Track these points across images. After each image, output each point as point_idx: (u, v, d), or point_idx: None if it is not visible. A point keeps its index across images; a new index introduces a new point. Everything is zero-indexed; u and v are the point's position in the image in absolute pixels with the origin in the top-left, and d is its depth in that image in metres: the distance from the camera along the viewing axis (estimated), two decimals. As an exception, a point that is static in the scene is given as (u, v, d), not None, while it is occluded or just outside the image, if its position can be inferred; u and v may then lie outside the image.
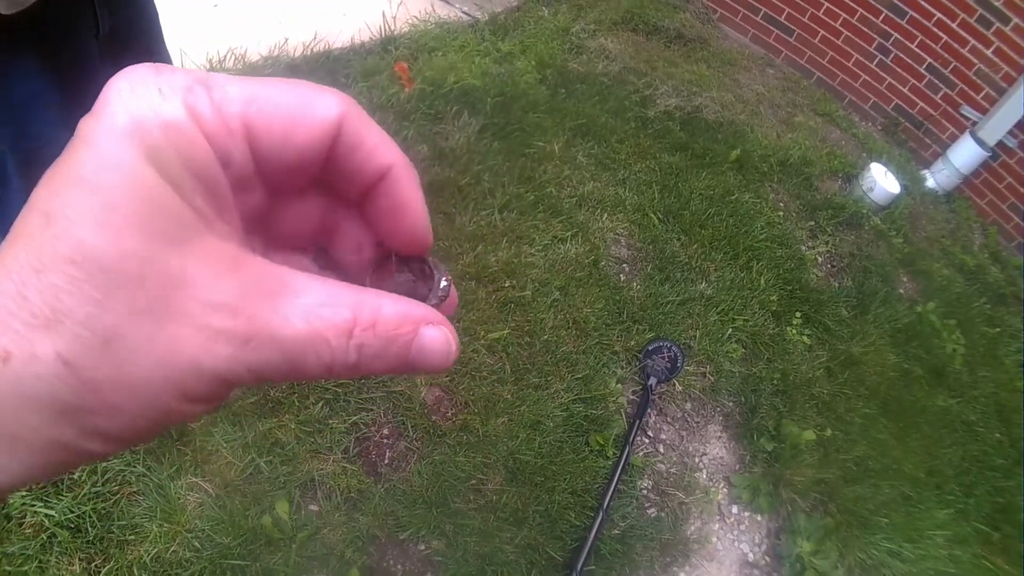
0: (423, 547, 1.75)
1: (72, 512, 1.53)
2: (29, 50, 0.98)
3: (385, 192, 0.30)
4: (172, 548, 1.56)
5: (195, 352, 0.24)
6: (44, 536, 1.50)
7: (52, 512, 1.52)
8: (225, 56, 2.71)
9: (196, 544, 1.58)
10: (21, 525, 1.50)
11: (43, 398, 0.23)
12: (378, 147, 0.29)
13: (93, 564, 1.51)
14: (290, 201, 0.30)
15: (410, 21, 3.34)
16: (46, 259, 0.23)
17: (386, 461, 1.84)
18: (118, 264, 0.23)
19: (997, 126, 3.53)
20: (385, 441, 1.86)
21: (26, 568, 1.46)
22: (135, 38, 1.29)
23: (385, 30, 3.19)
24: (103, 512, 1.56)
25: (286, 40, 2.89)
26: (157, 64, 0.25)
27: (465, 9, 3.61)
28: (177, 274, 0.24)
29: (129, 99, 0.24)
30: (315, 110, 0.26)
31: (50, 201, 0.24)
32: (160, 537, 1.56)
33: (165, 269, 0.23)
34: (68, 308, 0.22)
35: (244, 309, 0.24)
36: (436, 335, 0.28)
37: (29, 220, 0.24)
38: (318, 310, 0.25)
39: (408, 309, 0.28)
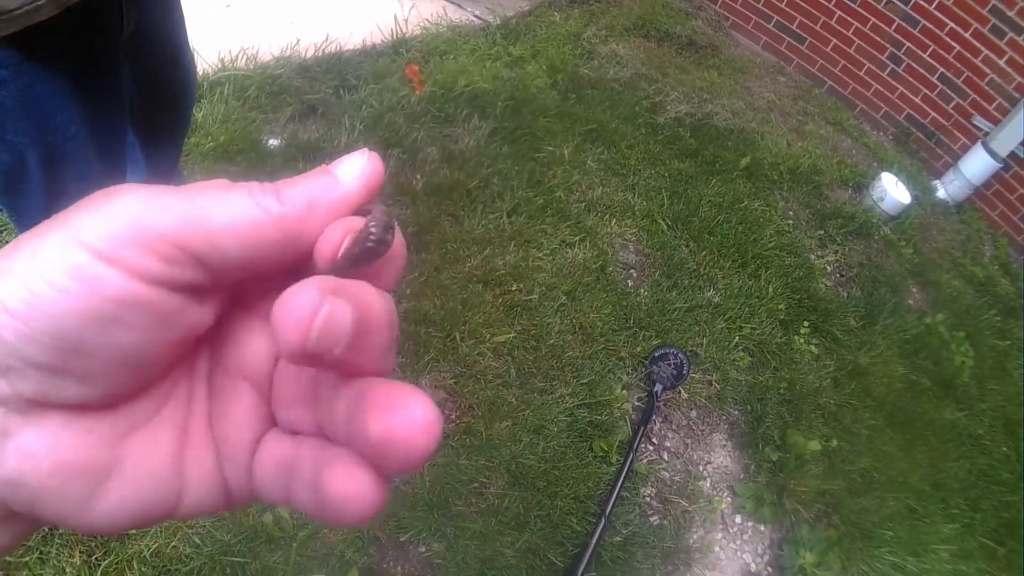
0: (423, 549, 1.75)
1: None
2: (55, 45, 0.98)
3: None
4: (172, 543, 1.57)
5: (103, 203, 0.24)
6: (44, 527, 1.50)
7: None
8: (237, 55, 2.73)
9: (196, 540, 1.58)
10: (22, 517, 1.51)
11: None
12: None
13: (93, 557, 1.51)
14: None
15: (422, 24, 3.35)
16: None
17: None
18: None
19: (1009, 137, 3.51)
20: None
21: (27, 559, 1.47)
22: (160, 39, 1.30)
23: (397, 33, 3.21)
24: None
25: (298, 41, 2.91)
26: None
27: (477, 13, 3.61)
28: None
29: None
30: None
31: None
32: (161, 532, 1.57)
33: None
34: None
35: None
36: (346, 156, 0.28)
37: None
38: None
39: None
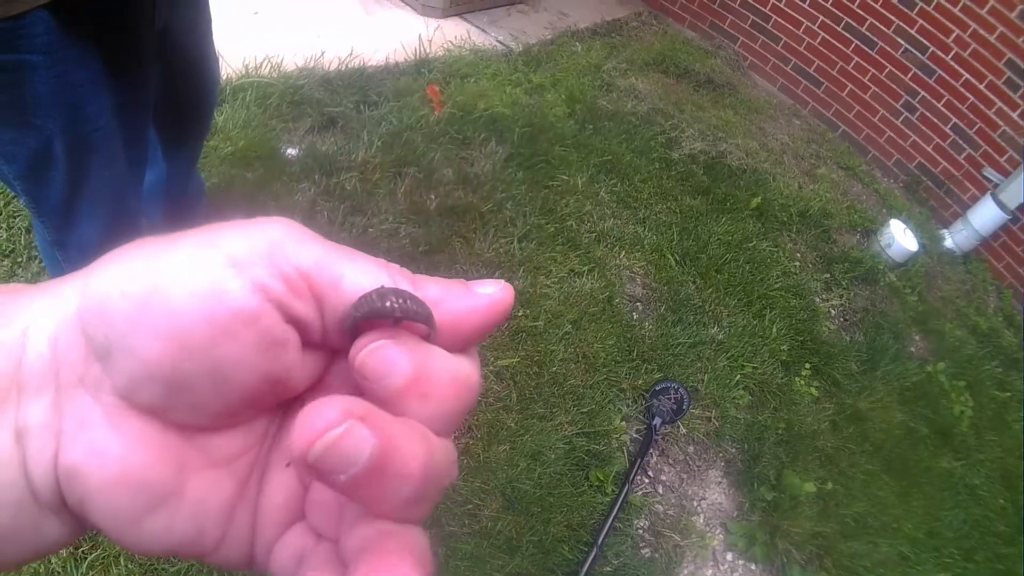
0: (416, 568, 1.76)
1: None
2: (90, 34, 0.99)
3: None
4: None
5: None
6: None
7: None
8: (261, 63, 2.78)
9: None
10: (12, 505, 1.52)
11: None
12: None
13: (80, 550, 1.52)
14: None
15: (445, 45, 3.41)
16: None
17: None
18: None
19: (1018, 189, 3.53)
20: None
21: None
22: (187, 39, 1.31)
23: (420, 52, 3.26)
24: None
25: (322, 53, 2.96)
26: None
27: (500, 38, 3.67)
28: None
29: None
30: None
31: None
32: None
33: None
34: None
35: None
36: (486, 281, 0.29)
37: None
38: None
39: None
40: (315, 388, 0.28)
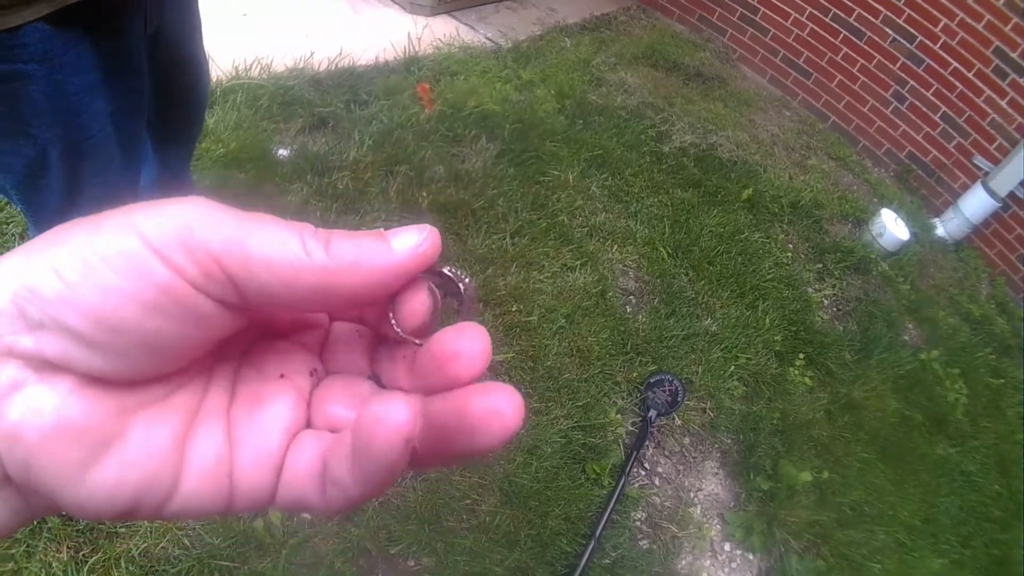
0: (412, 563, 1.77)
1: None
2: (85, 41, 0.98)
3: None
4: (161, 544, 1.57)
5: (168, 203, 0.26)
6: (34, 521, 1.51)
7: (44, 498, 1.53)
8: (251, 64, 2.77)
9: (186, 542, 1.59)
10: (11, 507, 1.51)
11: None
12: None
13: (81, 553, 1.52)
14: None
15: (434, 43, 3.40)
16: None
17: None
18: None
19: (1009, 177, 3.55)
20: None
21: (14, 551, 1.47)
22: (176, 40, 1.30)
23: (409, 51, 3.26)
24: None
25: (312, 53, 2.95)
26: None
27: (489, 35, 3.67)
28: None
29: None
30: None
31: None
32: (151, 532, 1.58)
33: None
34: None
35: None
36: (406, 228, 0.29)
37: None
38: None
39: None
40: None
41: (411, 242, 0.28)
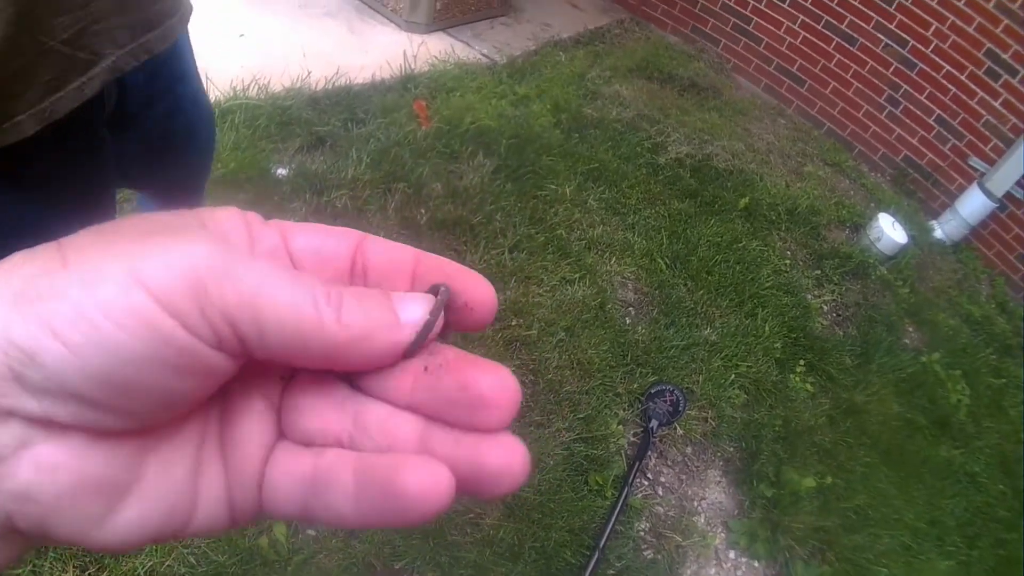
0: (420, 580, 1.78)
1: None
2: (37, 165, 0.88)
3: (429, 273, 0.31)
4: (167, 563, 1.58)
5: (171, 244, 0.24)
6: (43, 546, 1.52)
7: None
8: (249, 84, 2.80)
9: (192, 560, 1.60)
10: (16, 528, 1.52)
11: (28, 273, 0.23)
12: (400, 247, 0.31)
13: (87, 573, 1.52)
14: None
15: (430, 61, 3.44)
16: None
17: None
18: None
19: (1005, 177, 3.57)
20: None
21: (19, 571, 1.48)
22: (149, 101, 1.12)
23: (405, 68, 3.29)
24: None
25: (309, 73, 2.98)
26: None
27: (484, 52, 3.71)
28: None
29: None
30: (333, 229, 0.30)
31: None
32: (156, 551, 1.58)
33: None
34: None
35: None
36: (414, 295, 0.28)
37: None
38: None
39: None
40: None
41: (417, 314, 0.28)
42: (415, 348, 0.28)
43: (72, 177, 0.96)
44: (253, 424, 0.29)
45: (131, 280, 0.23)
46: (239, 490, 0.28)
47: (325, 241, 0.31)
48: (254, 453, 0.28)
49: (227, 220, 0.29)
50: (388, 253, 0.31)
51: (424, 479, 0.25)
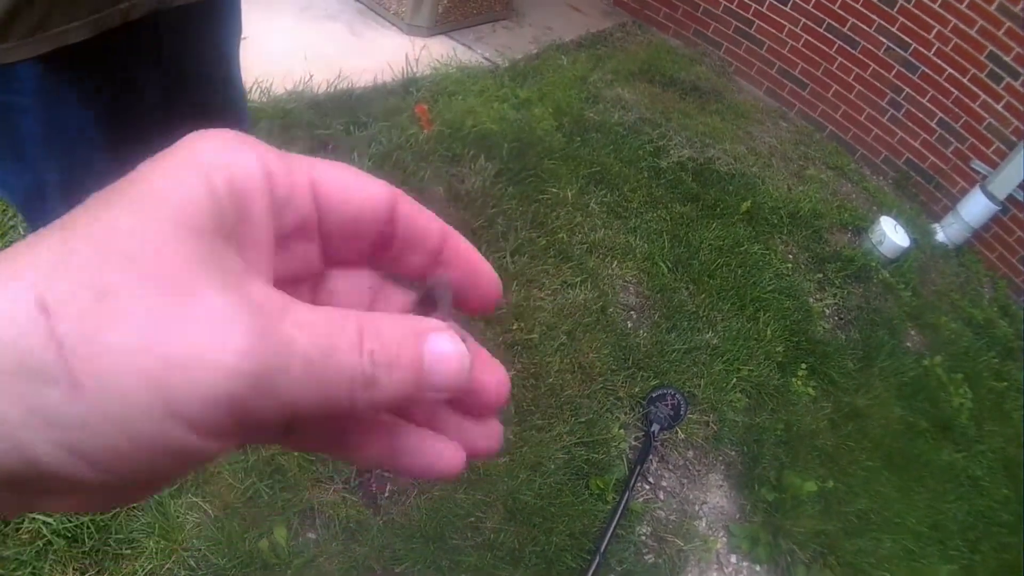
0: (421, 584, 1.78)
1: (70, 522, 1.56)
2: (88, 78, 0.97)
3: (450, 259, 0.32)
4: (167, 565, 1.58)
5: (201, 347, 0.21)
6: (40, 543, 1.52)
7: (50, 520, 1.55)
8: (251, 87, 2.80)
9: (192, 563, 1.60)
10: (18, 531, 1.53)
11: (6, 341, 0.20)
12: (431, 218, 0.31)
13: (87, 575, 1.53)
14: (345, 272, 0.32)
15: (432, 64, 3.44)
16: (74, 235, 0.23)
17: (386, 494, 1.88)
18: (139, 244, 0.22)
19: (1007, 180, 3.57)
20: (386, 474, 1.89)
21: (20, 573, 1.48)
22: (205, 60, 1.23)
23: (407, 72, 3.29)
24: (101, 524, 1.59)
25: (311, 76, 2.98)
26: (234, 132, 0.27)
27: (486, 55, 3.71)
28: (195, 269, 0.22)
29: (202, 143, 0.25)
30: (371, 184, 0.29)
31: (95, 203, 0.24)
32: (156, 553, 1.59)
33: (185, 261, 0.22)
34: (71, 252, 0.22)
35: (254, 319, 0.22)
36: (444, 338, 0.26)
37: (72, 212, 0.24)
38: (326, 327, 0.24)
39: (412, 320, 0.27)
40: None
41: (447, 357, 0.26)
42: None
43: (116, 104, 1.04)
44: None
45: (164, 411, 0.20)
46: None
47: (361, 208, 0.30)
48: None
49: (249, 201, 0.26)
50: (418, 221, 0.31)
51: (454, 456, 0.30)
